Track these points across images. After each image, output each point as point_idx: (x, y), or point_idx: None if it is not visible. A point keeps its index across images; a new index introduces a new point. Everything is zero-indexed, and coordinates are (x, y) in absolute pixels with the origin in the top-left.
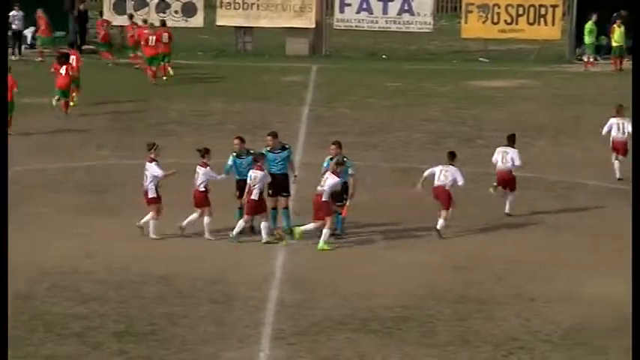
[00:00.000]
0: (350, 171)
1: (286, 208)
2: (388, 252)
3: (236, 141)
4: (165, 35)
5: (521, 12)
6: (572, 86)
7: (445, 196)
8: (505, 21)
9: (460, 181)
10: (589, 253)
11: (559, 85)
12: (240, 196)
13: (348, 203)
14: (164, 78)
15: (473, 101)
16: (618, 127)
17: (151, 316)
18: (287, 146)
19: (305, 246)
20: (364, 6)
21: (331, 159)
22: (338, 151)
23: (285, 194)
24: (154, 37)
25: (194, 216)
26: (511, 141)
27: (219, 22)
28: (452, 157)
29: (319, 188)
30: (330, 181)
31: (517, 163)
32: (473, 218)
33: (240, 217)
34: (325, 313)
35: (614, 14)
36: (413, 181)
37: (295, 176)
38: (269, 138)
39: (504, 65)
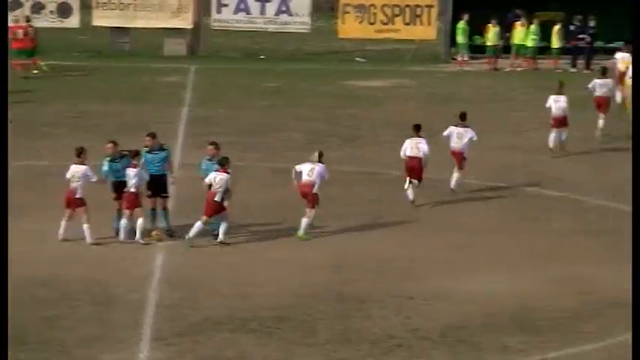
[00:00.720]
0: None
1: (165, 208)
2: (267, 251)
3: (109, 145)
4: (31, 30)
5: (397, 12)
6: (449, 85)
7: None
8: (381, 21)
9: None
10: (465, 251)
11: (435, 85)
12: (118, 198)
13: (226, 204)
14: (35, 72)
15: (351, 101)
16: (556, 102)
17: (30, 320)
18: (165, 147)
19: (184, 247)
20: (242, 6)
21: (209, 159)
22: (216, 152)
23: (163, 195)
24: (22, 31)
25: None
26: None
27: (95, 23)
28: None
29: (306, 179)
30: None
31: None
32: (351, 217)
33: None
34: (205, 313)
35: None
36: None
37: (173, 177)
38: (147, 138)
39: (381, 65)
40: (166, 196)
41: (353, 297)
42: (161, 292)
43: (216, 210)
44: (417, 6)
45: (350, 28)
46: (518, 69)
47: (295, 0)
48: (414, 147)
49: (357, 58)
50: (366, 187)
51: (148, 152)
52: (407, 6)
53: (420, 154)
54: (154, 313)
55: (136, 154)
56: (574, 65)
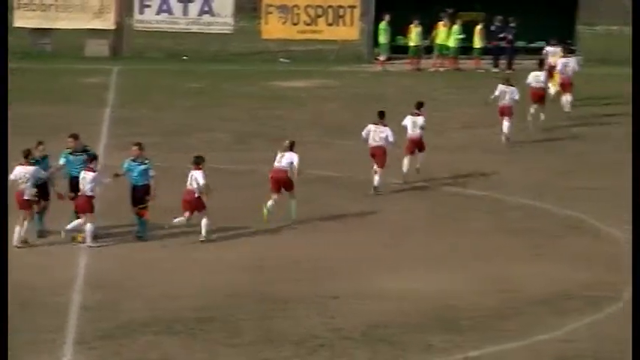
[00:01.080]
0: (151, 173)
1: None
2: (190, 252)
3: (69, 139)
4: None
5: (320, 13)
6: (372, 86)
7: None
8: (304, 22)
9: None
10: (389, 250)
11: (359, 85)
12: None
13: (149, 205)
14: None
15: (276, 101)
16: (503, 94)
17: None
18: (88, 148)
19: (108, 248)
20: (164, 7)
21: (133, 160)
22: (140, 153)
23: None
24: None
25: (79, 221)
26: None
27: (16, 24)
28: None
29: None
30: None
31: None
32: (277, 217)
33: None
34: (129, 316)
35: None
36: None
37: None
38: (70, 140)
39: (305, 66)
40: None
41: (277, 297)
42: (85, 295)
43: (196, 206)
44: (340, 7)
45: (273, 28)
46: (441, 69)
47: (218, 1)
48: (375, 135)
49: (281, 59)
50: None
51: (70, 154)
52: (330, 7)
53: (382, 142)
54: (78, 316)
55: (94, 158)
56: (496, 65)
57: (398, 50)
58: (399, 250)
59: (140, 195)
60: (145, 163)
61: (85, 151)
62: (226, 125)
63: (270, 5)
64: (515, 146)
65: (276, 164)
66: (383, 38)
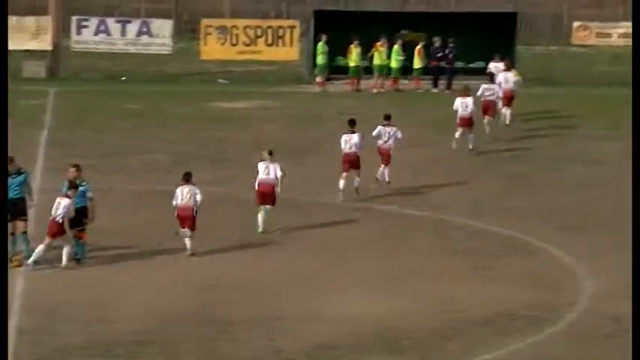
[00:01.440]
0: (89, 194)
1: (24, 232)
2: (130, 275)
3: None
4: None
5: (259, 33)
6: (312, 106)
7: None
8: (244, 42)
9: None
10: (331, 271)
11: (299, 106)
12: (13, 219)
13: (87, 227)
14: None
15: (215, 122)
16: (463, 106)
17: None
18: (23, 170)
19: (45, 272)
20: (102, 28)
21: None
22: (77, 175)
23: (22, 218)
24: None
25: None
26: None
27: None
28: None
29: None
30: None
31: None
32: (217, 238)
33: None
34: (66, 339)
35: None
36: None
37: (33, 200)
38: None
39: (245, 86)
40: (25, 220)
41: (219, 319)
42: (21, 318)
43: (192, 222)
44: (280, 27)
45: (212, 49)
46: (382, 90)
47: (156, 21)
48: (348, 142)
49: (220, 80)
50: (233, 208)
51: (6, 176)
52: (269, 27)
53: (354, 149)
54: (14, 340)
55: (74, 186)
56: (435, 85)
57: (338, 71)
58: (342, 271)
59: (78, 217)
60: (83, 185)
61: (19, 173)
62: (165, 147)
63: (209, 26)
64: (451, 166)
65: (262, 176)
66: (320, 59)
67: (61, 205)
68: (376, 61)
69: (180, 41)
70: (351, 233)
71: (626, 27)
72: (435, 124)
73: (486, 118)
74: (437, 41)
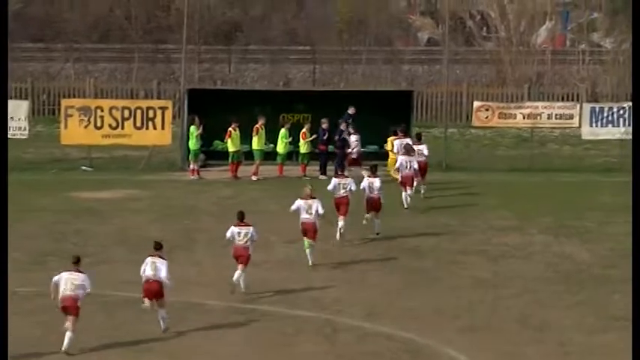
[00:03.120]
0: None
1: None
2: None
3: None
4: None
5: (127, 115)
6: (186, 196)
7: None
8: (110, 125)
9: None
10: None
11: (171, 195)
12: None
13: None
14: None
15: (76, 215)
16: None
17: None
18: None
19: None
20: None
21: None
22: None
23: None
24: None
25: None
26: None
27: None
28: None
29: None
30: None
31: (320, 211)
32: (76, 344)
33: None
34: None
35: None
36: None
37: None
38: None
39: (110, 174)
40: None
41: None
42: None
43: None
44: (150, 108)
45: (74, 133)
46: (260, 178)
47: (11, 102)
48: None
49: (82, 167)
50: (93, 310)
51: None
52: (138, 108)
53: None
54: None
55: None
56: (323, 173)
57: (216, 156)
58: None
59: None
60: None
61: None
62: (21, 243)
63: (71, 107)
64: (345, 259)
65: (305, 215)
66: (193, 144)
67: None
68: (256, 145)
69: (38, 124)
70: (233, 338)
71: (532, 107)
72: (325, 213)
73: (408, 190)
74: (324, 123)
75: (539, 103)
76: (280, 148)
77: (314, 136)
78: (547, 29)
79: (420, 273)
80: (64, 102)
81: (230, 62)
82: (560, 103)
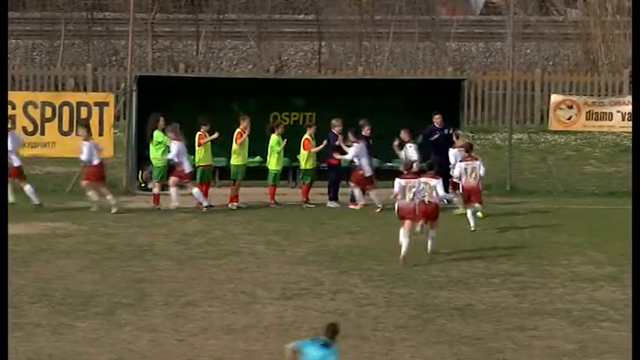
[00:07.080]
0: None
1: None
2: None
3: None
4: None
5: (49, 114)
6: (134, 232)
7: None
8: (25, 129)
9: None
10: None
11: (113, 231)
12: None
13: None
14: None
15: None
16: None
17: None
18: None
19: None
20: None
21: None
22: None
23: None
24: None
25: None
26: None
27: None
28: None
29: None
30: None
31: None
32: None
33: None
34: None
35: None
36: None
37: None
38: None
39: (26, 200)
40: None
41: None
42: None
43: None
44: (82, 104)
45: None
46: (243, 205)
47: None
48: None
49: None
50: None
51: None
52: (65, 104)
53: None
54: None
55: None
56: (334, 198)
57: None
58: None
59: None
60: None
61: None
62: None
63: None
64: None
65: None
66: (158, 157)
67: None
68: (235, 159)
69: None
70: None
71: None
72: (336, 258)
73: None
74: (336, 125)
75: None
76: (272, 162)
77: (322, 145)
78: None
79: (472, 344)
80: None
81: (198, 38)
82: None
